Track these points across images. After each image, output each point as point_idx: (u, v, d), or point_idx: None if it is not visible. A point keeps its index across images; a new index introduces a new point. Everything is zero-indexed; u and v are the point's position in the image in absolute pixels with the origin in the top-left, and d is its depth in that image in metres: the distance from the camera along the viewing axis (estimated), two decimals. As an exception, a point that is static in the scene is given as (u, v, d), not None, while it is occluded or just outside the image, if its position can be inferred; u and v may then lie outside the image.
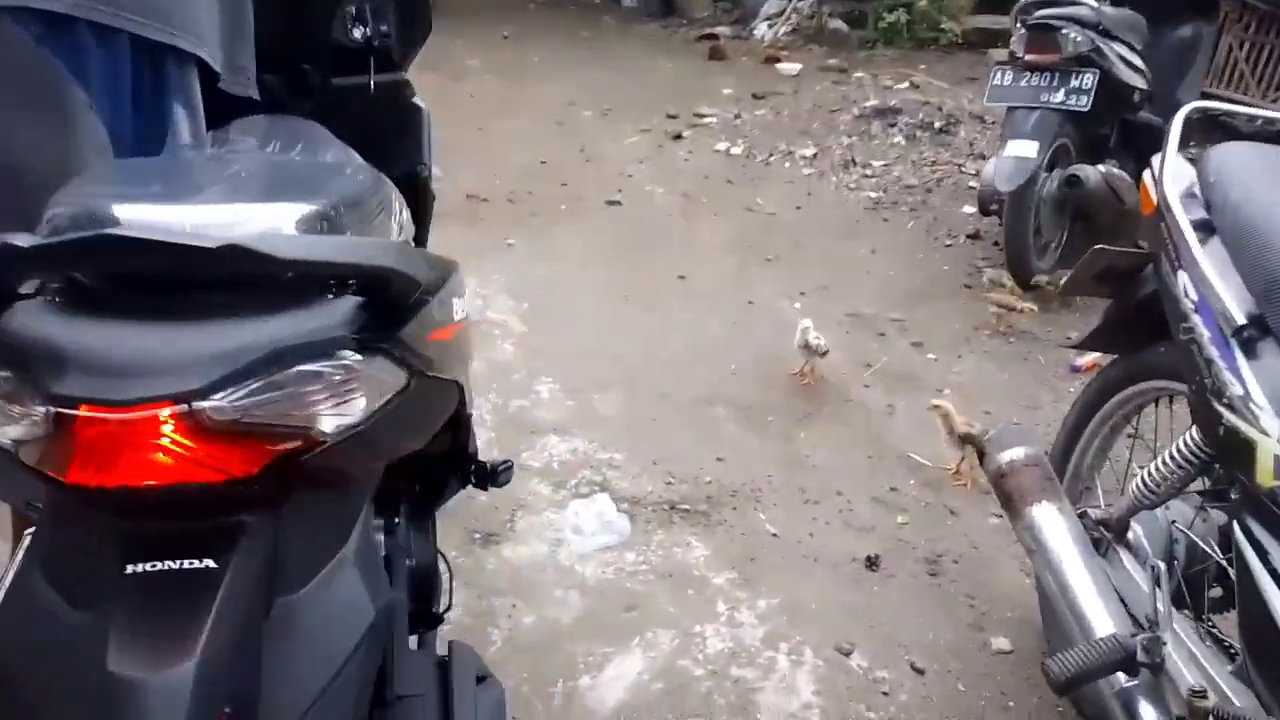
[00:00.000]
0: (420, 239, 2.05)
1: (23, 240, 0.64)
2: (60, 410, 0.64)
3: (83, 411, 0.63)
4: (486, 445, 2.61)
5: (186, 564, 0.70)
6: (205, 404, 0.66)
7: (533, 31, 9.42)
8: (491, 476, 1.55)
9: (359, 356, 0.76)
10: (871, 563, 2.25)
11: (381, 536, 1.40)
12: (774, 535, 2.35)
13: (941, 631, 2.05)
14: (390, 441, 0.90)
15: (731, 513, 2.42)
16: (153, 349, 0.67)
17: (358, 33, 1.88)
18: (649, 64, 8.21)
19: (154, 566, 0.70)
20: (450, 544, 2.21)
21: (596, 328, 3.39)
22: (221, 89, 1.50)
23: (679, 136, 5.87)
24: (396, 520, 1.42)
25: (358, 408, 0.77)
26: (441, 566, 1.62)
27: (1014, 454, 1.69)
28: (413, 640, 1.65)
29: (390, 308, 0.81)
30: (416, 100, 2.02)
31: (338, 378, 0.74)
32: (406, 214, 1.19)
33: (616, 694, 1.85)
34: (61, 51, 1.20)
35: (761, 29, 9.40)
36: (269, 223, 0.80)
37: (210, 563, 0.70)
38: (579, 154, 5.44)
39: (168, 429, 0.65)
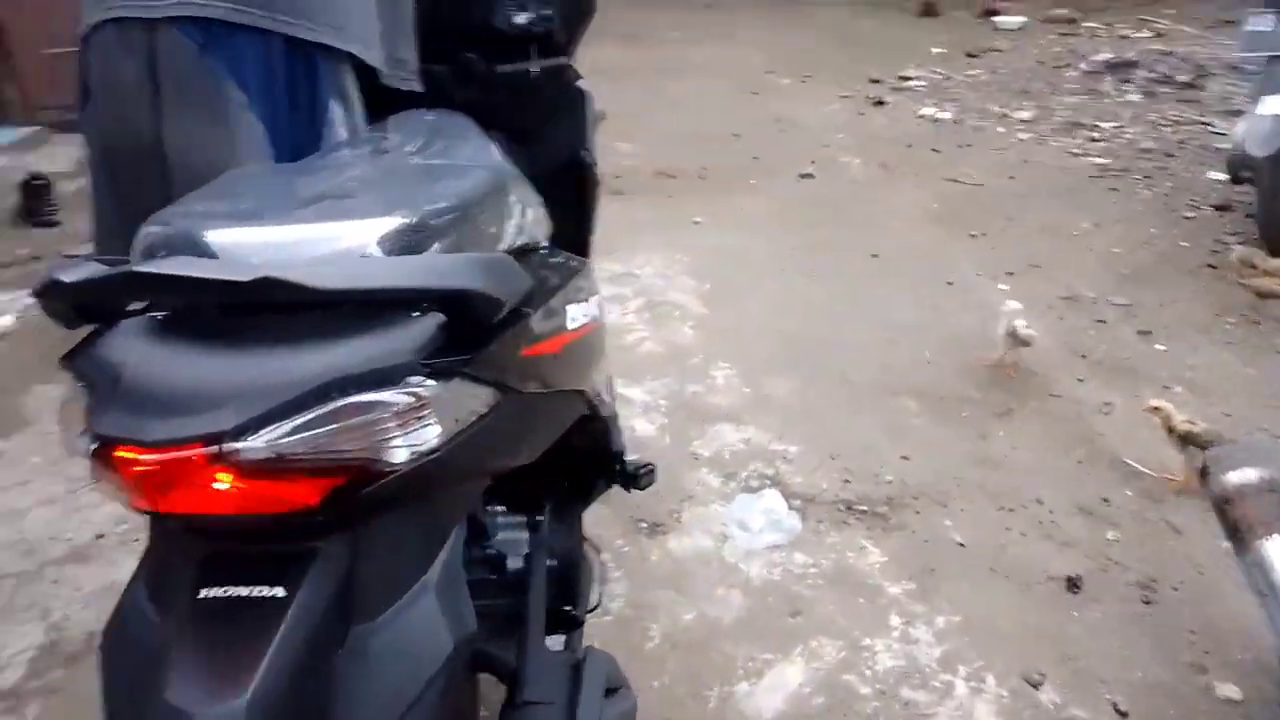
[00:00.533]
0: (583, 224, 2.01)
1: (68, 275, 0.64)
2: (99, 447, 0.64)
3: (119, 452, 0.62)
4: (659, 432, 2.57)
5: (255, 591, 0.68)
6: (237, 445, 0.63)
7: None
8: (633, 479, 1.50)
9: (431, 383, 0.71)
10: (1073, 583, 2.01)
11: (526, 534, 1.38)
12: (960, 544, 2.15)
13: (1152, 669, 1.80)
14: (481, 462, 0.85)
15: (914, 516, 2.25)
16: (195, 383, 0.66)
17: (520, 19, 1.85)
18: (854, 25, 7.85)
19: (224, 592, 0.69)
20: (615, 532, 2.19)
21: (779, 309, 3.26)
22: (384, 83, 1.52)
23: (881, 102, 5.56)
24: (539, 518, 1.39)
25: (431, 435, 0.72)
26: (594, 562, 1.59)
27: (1245, 475, 1.45)
28: (558, 641, 1.63)
29: (472, 327, 0.76)
30: (580, 84, 1.98)
31: (403, 406, 0.69)
32: (534, 213, 1.13)
33: (774, 704, 1.76)
34: (221, 57, 1.24)
35: (981, -20, 8.72)
36: (353, 241, 0.76)
37: (279, 590, 0.68)
38: (773, 124, 5.27)
39: (221, 465, 0.63)
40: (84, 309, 0.75)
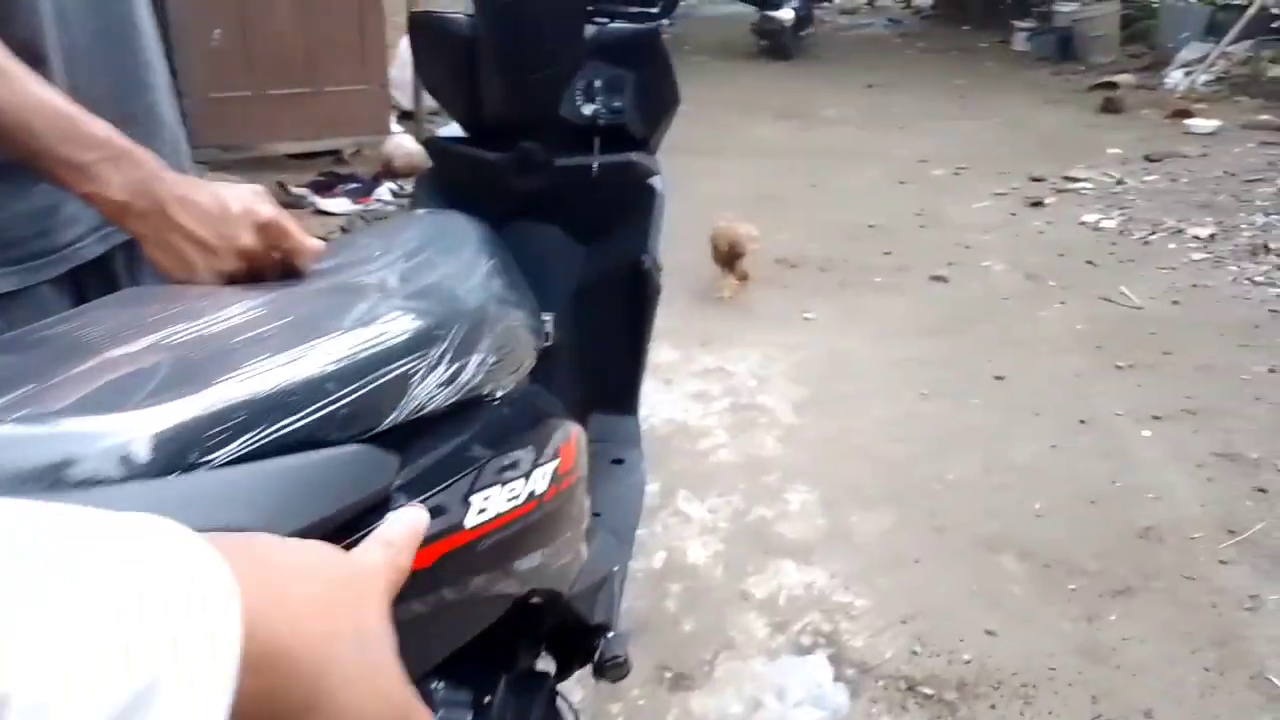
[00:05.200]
0: (636, 334, 1.83)
1: None
2: None
3: None
4: (712, 560, 2.32)
5: None
6: None
7: (902, 80, 8.98)
8: (599, 669, 1.27)
9: None
10: (1175, 837, 1.62)
11: (469, 716, 1.18)
12: (1040, 757, 1.80)
13: None
14: None
15: (988, 711, 1.90)
16: None
17: (587, 110, 1.71)
18: (1026, 116, 7.41)
19: None
20: (634, 679, 1.95)
21: (880, 429, 2.95)
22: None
23: (1039, 204, 5.14)
24: (487, 699, 1.18)
25: None
26: None
27: None
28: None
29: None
30: (652, 182, 1.81)
31: None
32: (473, 368, 0.91)
33: None
34: None
35: (1175, 77, 8.14)
36: (120, 438, 0.58)
37: None
38: (914, 218, 4.95)
39: None
40: None
